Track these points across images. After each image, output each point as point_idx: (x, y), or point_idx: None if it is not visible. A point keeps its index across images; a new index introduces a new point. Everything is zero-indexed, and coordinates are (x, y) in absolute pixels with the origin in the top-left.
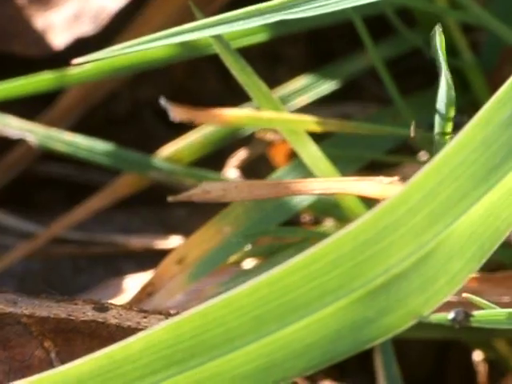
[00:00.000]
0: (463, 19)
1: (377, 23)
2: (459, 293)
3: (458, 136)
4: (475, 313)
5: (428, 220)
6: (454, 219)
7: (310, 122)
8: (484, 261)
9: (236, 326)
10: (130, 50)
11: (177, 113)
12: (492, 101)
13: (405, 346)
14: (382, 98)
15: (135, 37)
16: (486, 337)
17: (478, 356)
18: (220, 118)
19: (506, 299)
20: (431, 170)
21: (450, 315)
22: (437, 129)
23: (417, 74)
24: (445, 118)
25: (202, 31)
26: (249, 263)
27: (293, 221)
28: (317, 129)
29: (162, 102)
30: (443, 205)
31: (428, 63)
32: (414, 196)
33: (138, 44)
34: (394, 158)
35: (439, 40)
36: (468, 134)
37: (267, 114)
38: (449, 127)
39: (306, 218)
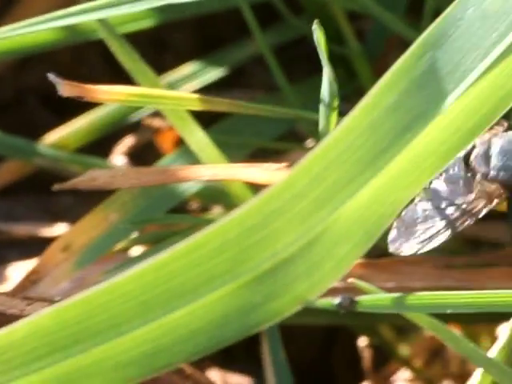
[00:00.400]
0: (349, 7)
1: (265, 10)
2: (345, 278)
3: (344, 121)
4: (360, 298)
5: (314, 205)
6: (340, 204)
7: (198, 101)
8: (370, 246)
9: (121, 311)
10: (13, 34)
11: (66, 88)
12: (378, 86)
13: (292, 332)
14: (270, 85)
15: (18, 21)
16: (371, 322)
17: (363, 341)
18: (109, 95)
19: (390, 284)
20: (317, 155)
21: (336, 300)
22: (322, 118)
23: (305, 61)
24: (329, 108)
25: (85, 15)
26: (136, 250)
27: (181, 208)
28: (205, 107)
29: (51, 77)
30: (329, 190)
31: (316, 50)
32: (300, 181)
33: (21, 27)
34: (282, 144)
35: (318, 34)
36: (354, 119)
37: (156, 92)
38: (333, 116)
39: (194, 205)
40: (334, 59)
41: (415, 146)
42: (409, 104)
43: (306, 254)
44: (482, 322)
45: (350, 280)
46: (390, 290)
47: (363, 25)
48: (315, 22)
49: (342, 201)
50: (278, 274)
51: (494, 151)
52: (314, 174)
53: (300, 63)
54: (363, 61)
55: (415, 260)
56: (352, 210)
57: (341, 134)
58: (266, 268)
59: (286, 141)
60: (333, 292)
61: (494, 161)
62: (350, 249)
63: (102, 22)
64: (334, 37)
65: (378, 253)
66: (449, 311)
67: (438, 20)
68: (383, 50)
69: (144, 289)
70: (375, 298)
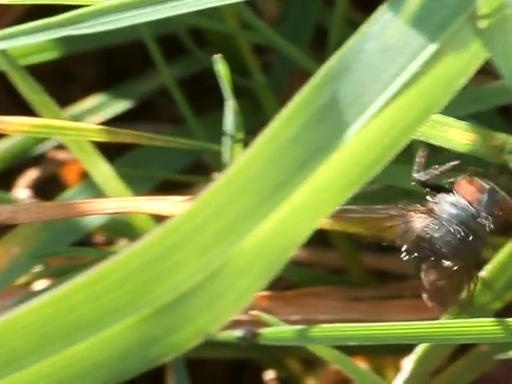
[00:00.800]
0: (254, 40)
1: (171, 42)
2: (250, 311)
3: (246, 153)
4: (263, 330)
5: (215, 237)
6: (242, 237)
7: (101, 132)
8: (271, 278)
9: (21, 345)
10: None
11: None
12: (278, 119)
13: (199, 365)
14: (176, 117)
15: None
16: (278, 355)
17: (270, 375)
18: (11, 126)
19: (295, 317)
20: (218, 188)
21: (239, 333)
22: (226, 150)
23: (212, 94)
24: (233, 140)
25: None
26: (39, 285)
27: (86, 241)
28: (108, 139)
29: None
30: (231, 222)
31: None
32: (201, 213)
33: None
34: (188, 177)
35: (220, 66)
36: (255, 152)
37: (59, 123)
38: (238, 148)
39: (100, 238)
40: (240, 92)
41: (316, 179)
42: (309, 136)
43: (207, 286)
44: (387, 354)
45: (254, 312)
46: (295, 323)
47: (269, 58)
48: (216, 55)
49: (243, 233)
50: (178, 306)
51: None
52: (215, 207)
53: (206, 95)
54: (268, 93)
55: (321, 292)
56: (253, 242)
57: (241, 166)
58: (167, 301)
59: (192, 173)
60: (238, 325)
61: None
62: (251, 281)
63: (2, 53)
64: (239, 69)
65: (285, 285)
66: (352, 343)
67: (339, 52)
68: (289, 83)
69: (44, 321)
70: (278, 330)
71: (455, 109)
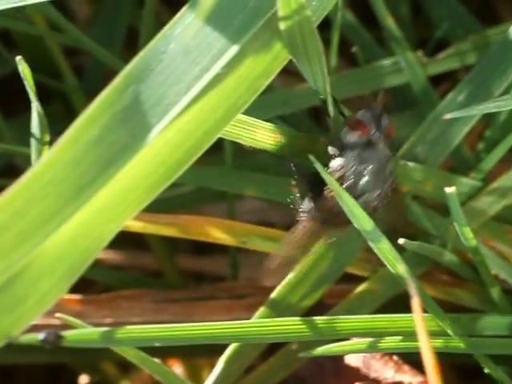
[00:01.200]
0: (65, 42)
1: None
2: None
3: (47, 155)
4: (67, 333)
5: (17, 239)
6: (44, 238)
7: None
8: (74, 280)
9: None
10: None
11: None
12: (80, 120)
13: (12, 371)
14: None
15: None
16: (92, 360)
17: (84, 379)
18: None
19: (108, 320)
20: (20, 189)
21: (40, 336)
22: (33, 152)
23: (23, 97)
24: (40, 142)
25: None
26: None
27: None
28: None
29: None
30: (32, 224)
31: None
32: (2, 215)
33: None
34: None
35: (23, 68)
36: (57, 153)
37: None
38: (45, 150)
39: None
40: (52, 94)
41: (119, 180)
42: (112, 138)
43: (9, 288)
44: (203, 355)
45: (58, 315)
46: (108, 326)
47: (81, 60)
48: (19, 56)
49: (46, 235)
50: None
51: None
52: (17, 208)
53: (17, 98)
54: (81, 96)
55: (134, 295)
56: (56, 244)
57: (43, 167)
58: None
59: (4, 176)
60: (45, 328)
61: None
62: (54, 283)
63: None
64: (51, 72)
65: (100, 289)
66: (157, 344)
67: (141, 54)
68: (101, 85)
69: None
70: (82, 332)
71: (264, 111)
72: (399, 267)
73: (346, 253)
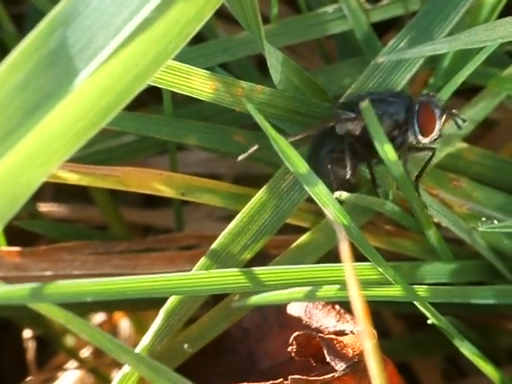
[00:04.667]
0: None
1: None
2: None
3: None
4: None
5: None
6: None
7: None
8: (2, 227)
9: None
10: None
11: None
12: (5, 64)
13: None
14: None
15: None
16: (35, 313)
17: (28, 333)
18: None
19: (48, 273)
20: None
21: None
22: None
23: None
24: None
25: None
26: None
27: None
28: None
29: None
30: None
31: None
32: None
33: None
34: None
35: None
36: None
37: None
38: None
39: None
40: None
41: (46, 126)
42: (38, 83)
43: None
44: (149, 308)
45: None
46: (48, 279)
47: (22, 9)
48: None
49: None
50: None
51: None
52: None
53: None
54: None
55: (75, 247)
56: None
57: None
58: None
59: None
60: None
61: None
62: None
63: None
64: None
65: (44, 243)
66: (89, 299)
67: None
68: None
69: None
70: (9, 289)
71: (205, 58)
72: (332, 212)
73: (288, 203)
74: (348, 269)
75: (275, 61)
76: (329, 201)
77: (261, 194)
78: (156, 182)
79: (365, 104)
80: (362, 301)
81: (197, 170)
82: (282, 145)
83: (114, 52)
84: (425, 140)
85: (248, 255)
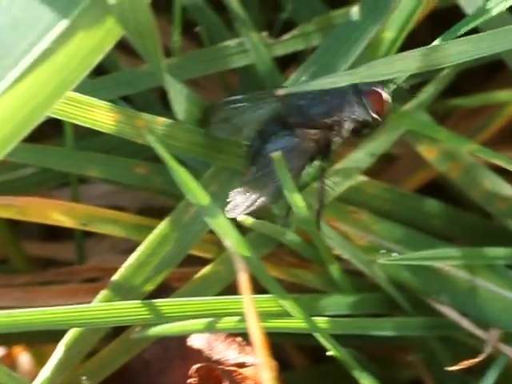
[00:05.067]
0: None
1: None
2: None
3: None
4: None
5: None
6: None
7: None
8: None
9: None
10: None
11: None
12: None
13: None
14: None
15: None
16: None
17: None
18: None
19: None
20: None
21: None
22: None
23: None
24: None
25: None
26: None
27: None
28: None
29: None
30: None
31: None
32: None
33: None
34: None
35: None
36: None
37: None
38: None
39: None
40: None
41: None
42: None
43: None
44: (49, 341)
45: None
46: None
47: None
48: None
49: None
50: None
51: None
52: None
53: None
54: None
55: None
56: None
57: None
58: None
59: None
60: None
61: None
62: None
63: None
64: None
65: None
66: None
67: None
68: None
69: None
70: None
71: (107, 91)
72: (232, 242)
73: (190, 235)
74: (246, 300)
75: (177, 93)
76: (228, 232)
77: (163, 226)
78: (57, 213)
79: (277, 156)
80: (261, 333)
81: (100, 203)
82: (183, 176)
83: (12, 83)
84: (376, 115)
85: (150, 287)
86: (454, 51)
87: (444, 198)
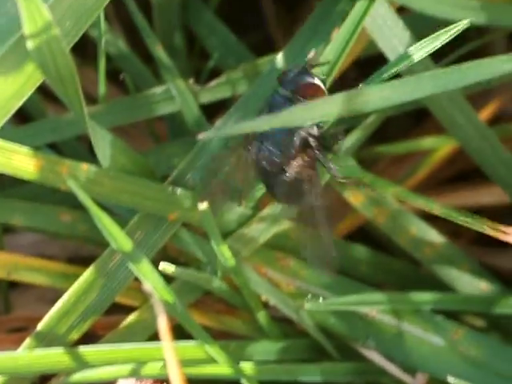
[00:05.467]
0: None
1: None
2: None
3: None
4: None
5: None
6: None
7: None
8: None
9: None
10: None
11: None
12: None
13: None
14: None
15: None
16: None
17: None
18: None
19: None
20: None
21: None
22: None
23: None
24: None
25: None
26: None
27: None
28: None
29: None
30: None
31: None
32: None
33: None
34: None
35: None
36: None
37: None
38: None
39: None
40: None
41: None
42: None
43: None
44: None
45: None
46: None
47: None
48: None
49: None
50: None
51: None
52: None
53: None
54: None
55: None
56: None
57: None
58: None
59: None
60: None
61: None
62: None
63: None
64: None
65: None
66: None
67: None
68: None
69: None
70: None
71: (32, 139)
72: (155, 289)
73: (115, 282)
74: (166, 347)
75: (100, 139)
76: (152, 279)
77: (88, 274)
78: None
79: (203, 207)
80: (182, 379)
81: (26, 252)
82: (106, 223)
83: None
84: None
85: (75, 335)
86: (376, 96)
87: (373, 244)
